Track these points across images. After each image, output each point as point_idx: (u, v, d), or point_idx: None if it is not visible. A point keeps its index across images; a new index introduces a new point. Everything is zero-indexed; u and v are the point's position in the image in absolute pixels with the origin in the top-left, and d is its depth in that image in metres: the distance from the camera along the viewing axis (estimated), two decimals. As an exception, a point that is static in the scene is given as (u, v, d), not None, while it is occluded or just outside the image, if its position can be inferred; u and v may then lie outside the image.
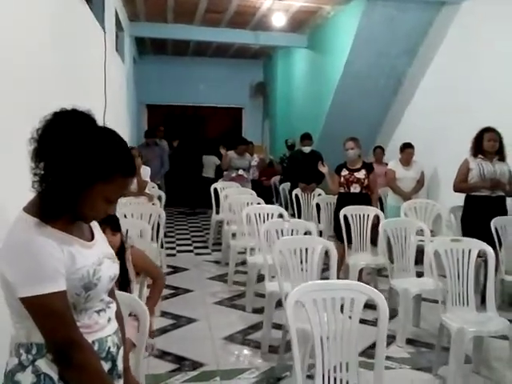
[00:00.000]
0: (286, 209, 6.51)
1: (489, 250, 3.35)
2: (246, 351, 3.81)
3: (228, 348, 3.85)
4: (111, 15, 5.99)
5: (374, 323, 3.85)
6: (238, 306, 4.78)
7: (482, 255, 3.45)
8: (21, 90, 2.47)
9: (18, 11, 2.46)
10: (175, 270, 6.02)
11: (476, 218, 4.68)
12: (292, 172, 7.40)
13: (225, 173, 7.92)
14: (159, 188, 7.43)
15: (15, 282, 1.30)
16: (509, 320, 3.23)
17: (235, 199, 6.00)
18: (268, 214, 4.94)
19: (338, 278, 3.69)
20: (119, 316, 1.63)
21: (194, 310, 4.62)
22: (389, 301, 2.80)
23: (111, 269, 1.52)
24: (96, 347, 1.45)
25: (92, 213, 1.44)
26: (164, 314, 4.42)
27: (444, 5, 6.50)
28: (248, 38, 9.41)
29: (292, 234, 4.06)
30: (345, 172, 5.45)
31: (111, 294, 1.61)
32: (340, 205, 5.30)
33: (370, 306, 2.28)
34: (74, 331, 1.36)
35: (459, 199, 5.00)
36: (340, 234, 5.02)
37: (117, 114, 6.36)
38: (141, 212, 4.85)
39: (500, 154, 4.78)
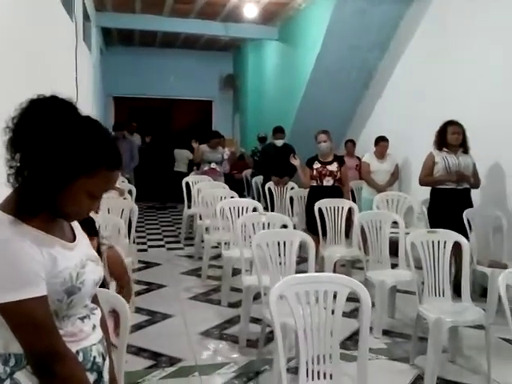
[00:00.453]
0: (259, 202, 6.49)
1: (464, 241, 3.39)
2: (223, 346, 3.77)
3: (205, 343, 3.81)
4: (79, 4, 5.83)
5: (349, 315, 3.91)
6: (213, 301, 4.73)
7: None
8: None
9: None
10: (147, 265, 5.94)
11: (443, 210, 4.73)
12: (265, 165, 7.38)
13: (194, 167, 7.86)
14: (129, 182, 7.31)
15: None
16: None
17: (208, 193, 5.94)
18: (243, 208, 4.91)
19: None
20: (104, 323, 1.52)
21: (169, 305, 4.55)
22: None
23: (95, 272, 1.40)
24: (80, 357, 1.33)
25: (74, 210, 1.30)
26: (139, 310, 4.33)
27: (415, -2, 6.57)
28: (218, 29, 9.33)
29: (268, 228, 4.03)
30: (317, 165, 5.45)
31: (94, 299, 1.49)
32: (312, 198, 5.30)
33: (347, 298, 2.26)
34: (56, 341, 1.24)
35: (430, 192, 5.06)
36: (312, 226, 5.03)
37: (86, 107, 6.20)
38: (112, 206, 4.74)
39: (463, 147, 4.82)
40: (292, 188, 6.86)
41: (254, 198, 7.18)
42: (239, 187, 8.94)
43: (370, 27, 6.87)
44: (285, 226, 4.09)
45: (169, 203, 10.23)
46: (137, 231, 6.89)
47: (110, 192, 5.36)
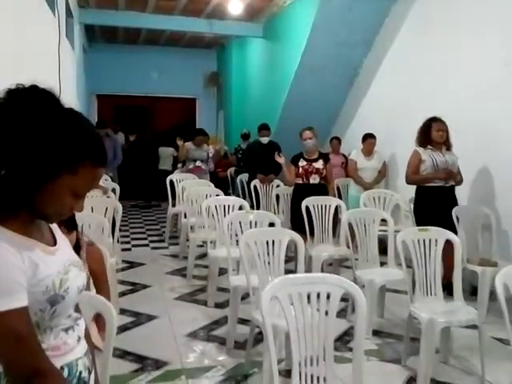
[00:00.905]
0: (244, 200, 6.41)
1: (455, 239, 3.34)
2: (210, 348, 3.67)
3: (192, 345, 3.71)
4: (61, 0, 5.68)
5: (337, 315, 3.83)
6: (199, 301, 4.63)
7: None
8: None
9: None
10: (131, 264, 5.82)
11: (430, 208, 4.66)
12: (250, 163, 7.29)
13: (179, 165, 7.75)
14: (112, 180, 7.18)
15: None
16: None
17: (193, 191, 5.83)
18: (229, 206, 4.83)
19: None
20: (88, 334, 1.41)
21: (154, 306, 4.44)
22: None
23: (79, 278, 1.28)
24: (65, 373, 1.22)
25: (56, 210, 1.19)
26: (123, 311, 4.22)
27: (400, -5, 6.53)
28: (202, 26, 9.24)
29: (256, 226, 3.95)
30: (303, 162, 5.38)
31: (76, 307, 1.36)
32: (298, 196, 5.23)
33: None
34: (39, 357, 1.11)
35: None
36: (298, 225, 4.94)
37: (69, 104, 6.05)
38: (95, 205, 4.62)
39: (446, 144, 4.77)
40: (278, 186, 6.79)
41: (238, 196, 7.10)
42: (224, 185, 8.84)
43: (355, 24, 6.82)
44: (272, 225, 4.01)
45: (153, 201, 10.10)
46: (120, 230, 6.76)
47: (94, 190, 5.29)
